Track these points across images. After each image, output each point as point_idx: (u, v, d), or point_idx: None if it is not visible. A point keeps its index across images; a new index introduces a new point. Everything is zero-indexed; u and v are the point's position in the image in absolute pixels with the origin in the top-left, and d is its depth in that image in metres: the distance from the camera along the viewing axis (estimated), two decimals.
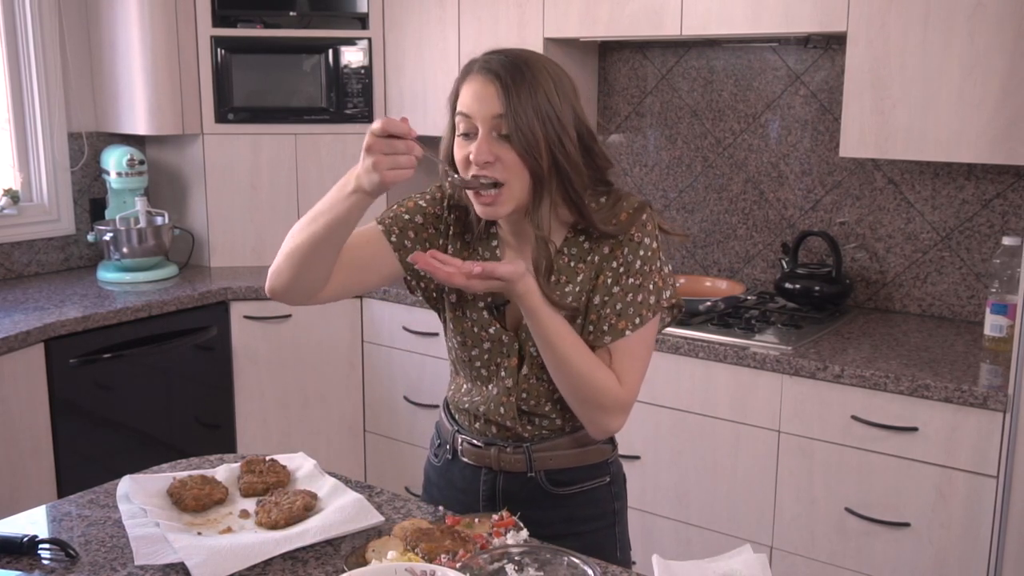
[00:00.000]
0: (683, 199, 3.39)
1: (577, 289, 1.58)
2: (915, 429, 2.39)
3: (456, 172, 1.55)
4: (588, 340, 1.56)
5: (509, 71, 1.49)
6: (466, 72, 1.54)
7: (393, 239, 1.63)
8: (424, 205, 1.67)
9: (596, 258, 1.59)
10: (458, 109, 1.52)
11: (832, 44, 3.01)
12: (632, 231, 1.57)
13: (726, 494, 2.71)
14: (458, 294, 1.65)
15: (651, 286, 1.57)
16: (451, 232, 1.66)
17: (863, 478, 2.48)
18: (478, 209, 1.54)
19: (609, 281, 1.57)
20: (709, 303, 2.86)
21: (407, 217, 1.65)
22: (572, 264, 1.59)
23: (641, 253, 1.56)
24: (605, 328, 1.56)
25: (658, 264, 1.59)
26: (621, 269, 1.56)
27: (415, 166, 1.42)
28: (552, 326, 1.51)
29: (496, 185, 1.50)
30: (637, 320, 1.56)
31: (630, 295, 1.56)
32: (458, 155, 1.53)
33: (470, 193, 1.53)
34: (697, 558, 1.53)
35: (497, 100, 1.47)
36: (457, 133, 1.53)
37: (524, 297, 1.48)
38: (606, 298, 1.56)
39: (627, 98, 3.46)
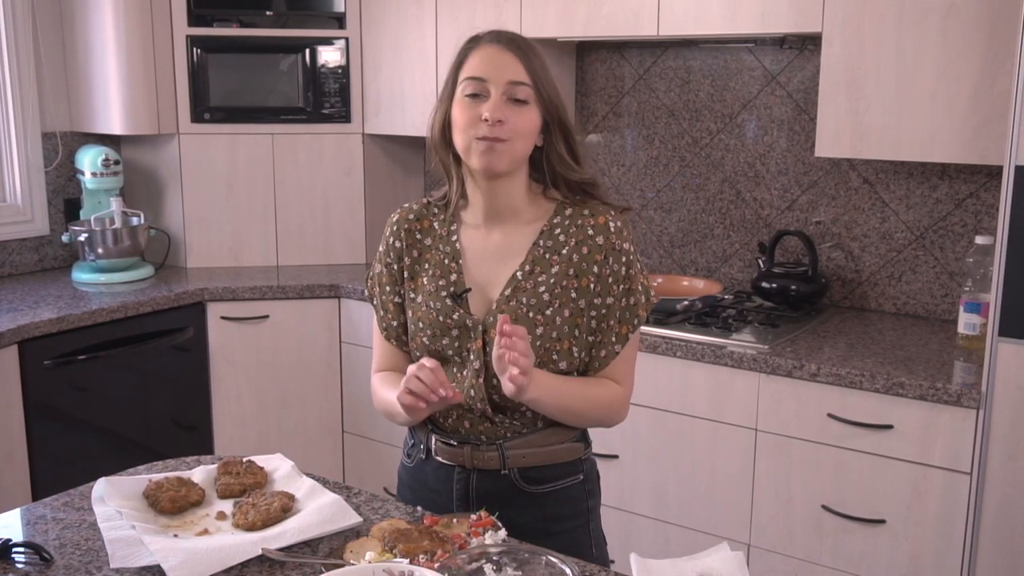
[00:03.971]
0: (660, 199, 3.41)
1: (552, 281, 1.64)
2: (890, 427, 2.41)
3: (451, 148, 1.66)
4: (600, 355, 1.67)
5: (521, 40, 1.62)
6: (474, 43, 1.64)
7: (394, 340, 1.77)
8: (382, 251, 1.78)
9: (574, 256, 1.65)
10: (470, 74, 1.61)
11: (808, 45, 3.03)
12: (613, 240, 1.65)
13: (704, 492, 2.73)
14: (421, 293, 1.70)
15: (639, 288, 1.68)
16: (403, 256, 1.74)
17: (839, 476, 2.50)
18: (479, 161, 1.61)
19: (598, 289, 1.64)
20: (686, 302, 2.87)
21: (382, 291, 1.77)
22: (547, 256, 1.66)
23: (624, 260, 1.66)
24: (613, 339, 1.67)
25: (638, 266, 1.69)
26: (611, 279, 1.65)
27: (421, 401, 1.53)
28: (555, 399, 1.62)
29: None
30: (636, 321, 1.68)
31: (623, 300, 1.66)
32: (465, 115, 1.60)
33: (476, 143, 1.59)
34: (675, 556, 1.54)
35: (518, 67, 1.59)
36: (464, 94, 1.61)
37: (527, 399, 1.58)
38: (603, 311, 1.65)
39: (604, 98, 3.47)
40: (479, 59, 1.60)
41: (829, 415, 2.49)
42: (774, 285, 3.01)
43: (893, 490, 2.43)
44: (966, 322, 2.61)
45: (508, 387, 1.50)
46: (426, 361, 1.53)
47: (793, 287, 2.98)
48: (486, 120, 1.57)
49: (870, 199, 3.01)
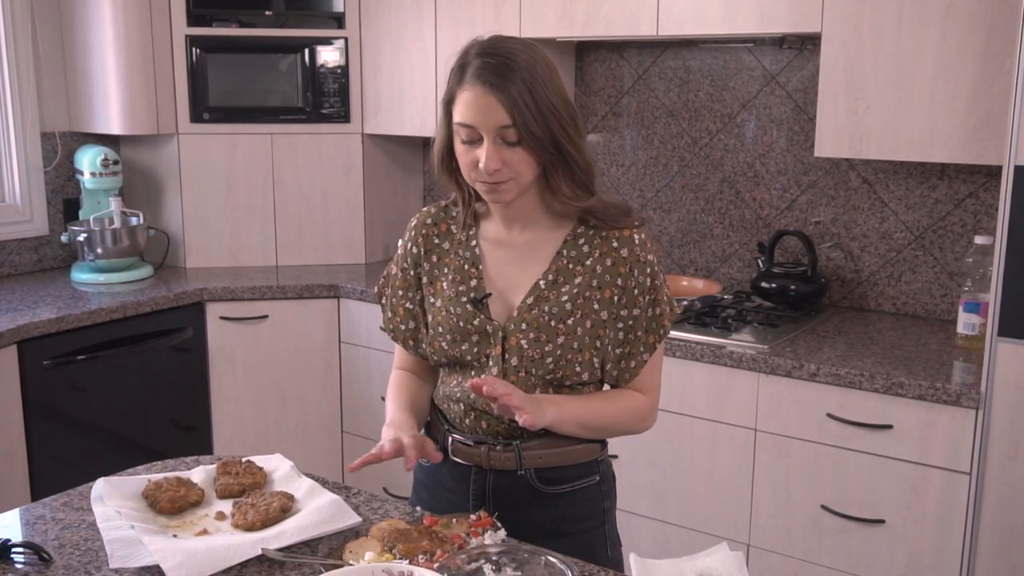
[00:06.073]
0: (660, 199, 3.41)
1: (575, 291, 1.63)
2: (890, 427, 2.41)
3: (459, 174, 1.64)
4: (630, 366, 1.66)
5: (505, 77, 1.52)
6: (460, 75, 1.56)
7: (400, 342, 1.78)
8: (400, 255, 1.78)
9: (598, 268, 1.64)
10: (460, 120, 1.56)
11: (807, 45, 3.03)
12: (638, 252, 1.65)
13: (703, 492, 2.73)
14: (440, 298, 1.69)
15: (664, 297, 1.68)
16: (420, 262, 1.74)
17: (839, 476, 2.50)
18: (487, 198, 1.63)
19: (623, 301, 1.64)
20: (686, 302, 2.87)
21: (394, 293, 1.77)
22: (571, 267, 1.65)
23: (649, 271, 1.65)
24: (641, 349, 1.67)
25: (662, 277, 1.69)
26: (636, 291, 1.64)
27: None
28: (575, 419, 1.62)
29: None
30: (662, 331, 1.68)
31: (650, 310, 1.66)
32: (465, 160, 1.59)
33: (480, 185, 1.60)
34: (674, 556, 1.54)
35: (501, 111, 1.52)
36: (461, 140, 1.58)
37: (545, 425, 1.59)
38: (630, 323, 1.65)
39: (604, 98, 3.47)
40: (466, 104, 1.54)
41: (828, 415, 2.49)
42: (773, 285, 3.01)
43: (892, 490, 2.43)
44: (965, 322, 2.61)
45: (525, 420, 1.51)
46: (404, 438, 1.57)
47: (792, 287, 2.98)
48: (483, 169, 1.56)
49: (869, 199, 3.01)
